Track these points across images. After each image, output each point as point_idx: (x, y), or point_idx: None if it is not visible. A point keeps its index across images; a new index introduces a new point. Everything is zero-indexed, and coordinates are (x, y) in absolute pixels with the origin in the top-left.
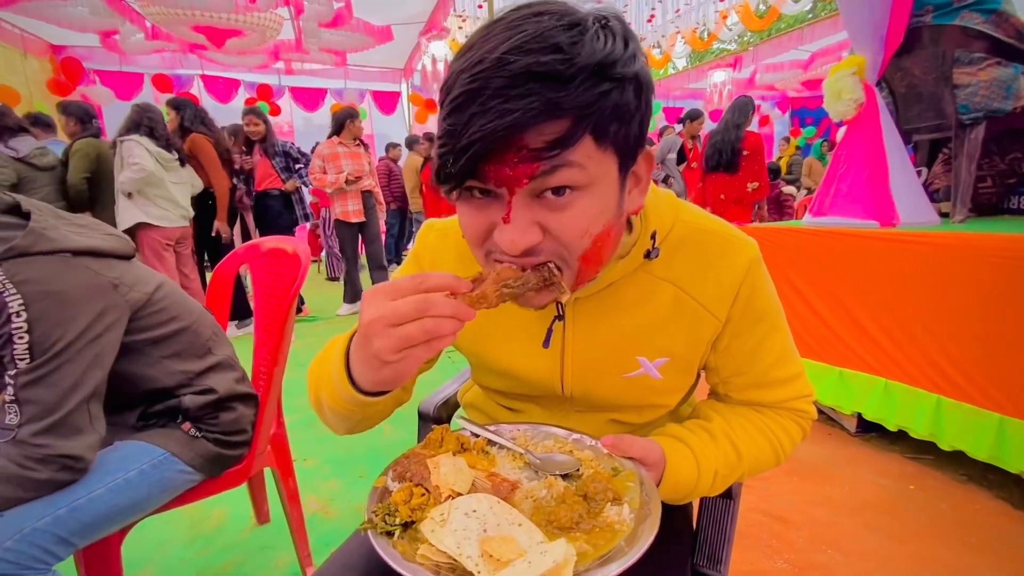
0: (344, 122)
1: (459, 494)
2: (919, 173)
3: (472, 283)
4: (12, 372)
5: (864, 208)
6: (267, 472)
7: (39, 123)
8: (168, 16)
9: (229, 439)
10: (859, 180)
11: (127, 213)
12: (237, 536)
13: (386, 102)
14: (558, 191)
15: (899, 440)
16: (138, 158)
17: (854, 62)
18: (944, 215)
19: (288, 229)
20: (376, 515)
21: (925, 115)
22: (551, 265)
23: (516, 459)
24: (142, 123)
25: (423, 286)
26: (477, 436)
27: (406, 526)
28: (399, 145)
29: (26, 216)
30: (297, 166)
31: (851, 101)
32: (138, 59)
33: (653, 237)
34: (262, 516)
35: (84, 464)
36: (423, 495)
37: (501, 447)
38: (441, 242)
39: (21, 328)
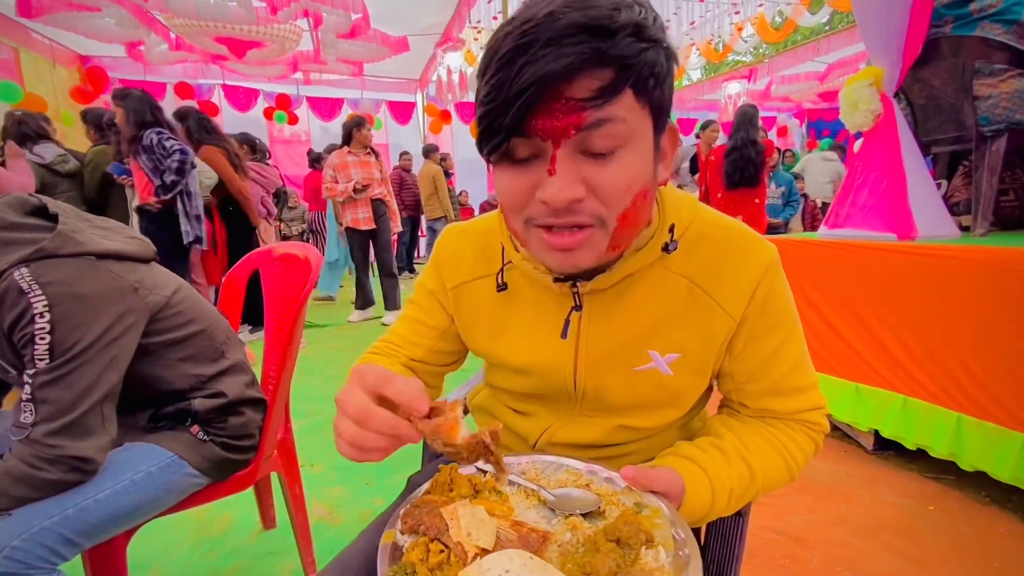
0: (351, 131)
1: (485, 550)
2: (938, 186)
3: (430, 410)
4: (31, 371)
5: (882, 220)
6: (274, 477)
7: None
8: (192, 28)
9: (237, 443)
10: (876, 192)
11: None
12: (243, 540)
13: (401, 112)
14: (604, 143)
15: (918, 459)
16: None
17: (871, 73)
18: (964, 229)
19: (172, 258)
20: None
21: (945, 127)
22: (486, 441)
23: (529, 496)
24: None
25: (384, 389)
26: (485, 472)
27: None
28: (409, 153)
29: (52, 218)
30: (169, 163)
31: (868, 112)
32: (161, 69)
33: (671, 231)
34: (268, 521)
35: (94, 466)
36: (441, 551)
37: (512, 483)
38: (460, 241)
39: (44, 329)
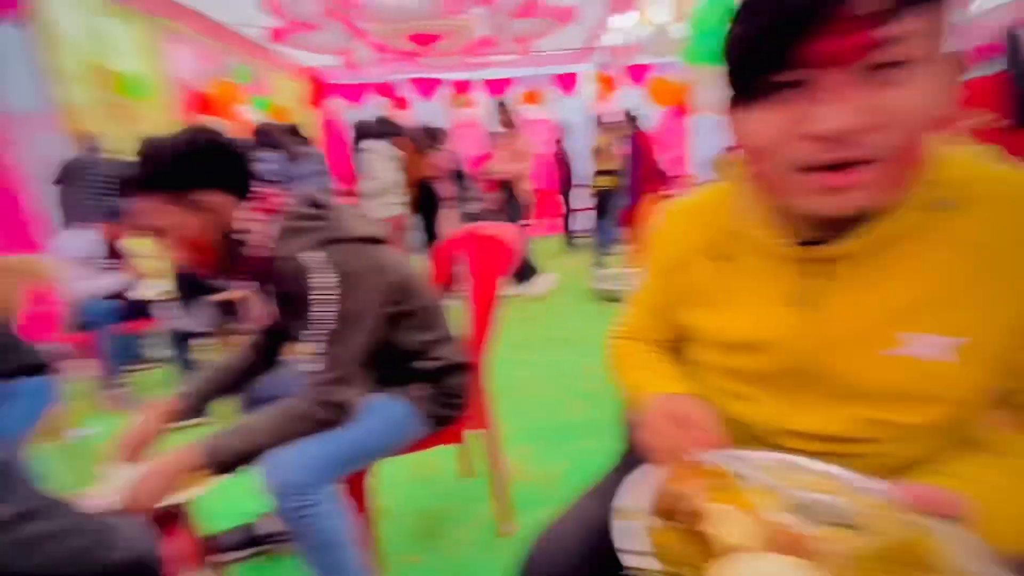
0: None
1: (740, 547)
2: None
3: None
4: (325, 331)
5: None
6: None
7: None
8: (388, 30)
9: (450, 400)
10: None
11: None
12: (447, 486)
13: (566, 83)
14: (891, 66)
15: None
16: (375, 170)
17: None
18: None
19: None
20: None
21: None
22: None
23: (767, 496)
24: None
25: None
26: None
27: None
28: (564, 127)
29: (320, 207)
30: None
31: None
32: (364, 71)
33: (942, 187)
34: (466, 471)
35: (352, 411)
36: (696, 542)
37: (748, 479)
38: (679, 217)
39: (336, 300)
